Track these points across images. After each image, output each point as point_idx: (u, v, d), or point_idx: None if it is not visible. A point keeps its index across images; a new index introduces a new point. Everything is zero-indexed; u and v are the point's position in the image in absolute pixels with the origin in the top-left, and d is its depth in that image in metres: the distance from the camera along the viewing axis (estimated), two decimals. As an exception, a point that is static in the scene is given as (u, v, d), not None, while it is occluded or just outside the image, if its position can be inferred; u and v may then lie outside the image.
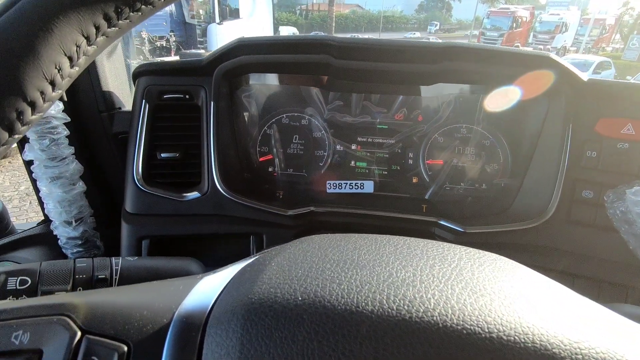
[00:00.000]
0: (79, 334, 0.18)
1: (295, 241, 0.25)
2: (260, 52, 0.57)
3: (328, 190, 0.66)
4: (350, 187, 0.66)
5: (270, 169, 0.68)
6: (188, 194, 0.58)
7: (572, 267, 0.52)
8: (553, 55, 0.53)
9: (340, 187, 0.66)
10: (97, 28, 0.21)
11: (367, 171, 0.67)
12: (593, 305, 0.20)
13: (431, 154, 0.66)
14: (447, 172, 0.65)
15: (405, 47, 0.55)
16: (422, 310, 0.17)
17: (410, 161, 0.66)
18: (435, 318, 0.17)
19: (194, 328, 0.19)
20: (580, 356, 0.16)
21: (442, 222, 0.56)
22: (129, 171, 0.58)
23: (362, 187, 0.66)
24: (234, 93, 0.63)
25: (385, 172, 0.67)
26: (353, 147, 0.67)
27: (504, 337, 0.17)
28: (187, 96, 0.59)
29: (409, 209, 0.60)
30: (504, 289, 0.19)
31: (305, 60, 0.56)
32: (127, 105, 0.70)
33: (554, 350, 0.16)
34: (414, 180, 0.66)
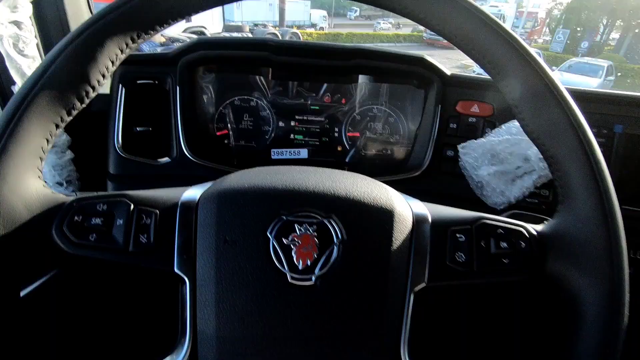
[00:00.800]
0: (132, 205, 0.36)
1: (246, 169, 0.43)
2: (216, 49, 0.74)
3: (273, 157, 0.85)
4: (290, 154, 0.86)
5: (226, 141, 0.85)
6: (160, 159, 0.74)
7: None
8: (426, 56, 0.75)
9: (282, 154, 0.85)
10: (127, 44, 0.38)
11: (303, 142, 0.87)
12: (395, 192, 0.41)
13: (351, 128, 0.87)
14: (363, 141, 0.87)
15: (325, 47, 0.75)
16: (310, 188, 0.37)
17: (336, 134, 0.87)
18: (314, 190, 0.37)
19: (192, 205, 0.38)
20: (374, 204, 0.37)
21: None
22: (110, 141, 0.73)
23: (298, 154, 0.86)
24: (195, 80, 0.79)
25: (317, 143, 0.87)
26: (292, 123, 0.86)
27: (346, 197, 0.37)
28: (156, 82, 0.75)
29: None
30: (350, 182, 0.40)
31: (251, 55, 0.74)
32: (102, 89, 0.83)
33: (366, 202, 0.37)
34: (339, 149, 0.87)
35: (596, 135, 0.71)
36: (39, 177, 0.36)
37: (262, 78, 0.82)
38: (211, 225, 0.36)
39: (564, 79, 8.86)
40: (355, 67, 0.77)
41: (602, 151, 0.73)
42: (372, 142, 0.87)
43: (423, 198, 0.77)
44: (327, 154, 0.87)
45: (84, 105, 0.38)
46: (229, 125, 0.85)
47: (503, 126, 0.66)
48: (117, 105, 0.73)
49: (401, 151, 0.86)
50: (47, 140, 0.36)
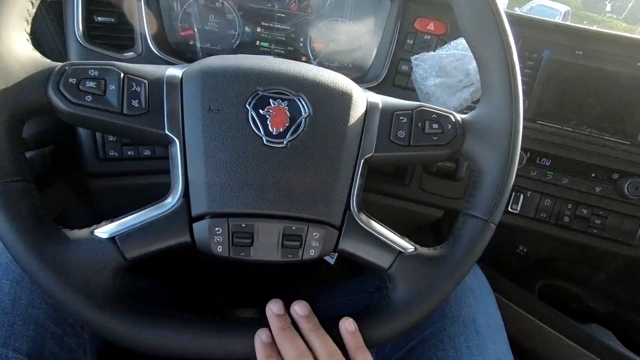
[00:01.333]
0: (122, 74, 0.40)
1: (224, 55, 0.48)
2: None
3: (239, 61, 0.87)
4: (256, 60, 0.88)
5: (191, 42, 0.85)
6: (126, 54, 0.74)
7: None
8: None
9: (248, 59, 0.88)
10: None
11: (269, 49, 0.89)
12: (354, 83, 0.48)
13: (316, 38, 0.90)
14: (327, 52, 0.91)
15: None
16: (283, 70, 0.43)
17: (301, 44, 0.90)
18: (287, 72, 0.43)
19: (176, 80, 0.42)
20: (337, 88, 0.44)
21: None
22: (70, 30, 0.70)
23: (264, 60, 0.88)
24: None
25: (283, 52, 0.90)
26: (258, 29, 0.87)
27: (314, 80, 0.44)
28: (116, -32, 0.71)
29: None
30: (317, 70, 0.46)
31: None
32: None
33: (330, 86, 0.44)
34: (303, 59, 0.91)
35: (528, 59, 0.81)
36: (27, 40, 0.38)
37: (228, -24, 0.81)
38: (196, 96, 0.41)
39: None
40: None
41: (530, 72, 0.84)
42: (336, 54, 0.91)
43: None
44: (291, 63, 0.90)
45: None
46: (194, 25, 0.84)
47: (452, 42, 0.73)
48: None
49: (361, 64, 0.92)
50: (32, 4, 0.38)
